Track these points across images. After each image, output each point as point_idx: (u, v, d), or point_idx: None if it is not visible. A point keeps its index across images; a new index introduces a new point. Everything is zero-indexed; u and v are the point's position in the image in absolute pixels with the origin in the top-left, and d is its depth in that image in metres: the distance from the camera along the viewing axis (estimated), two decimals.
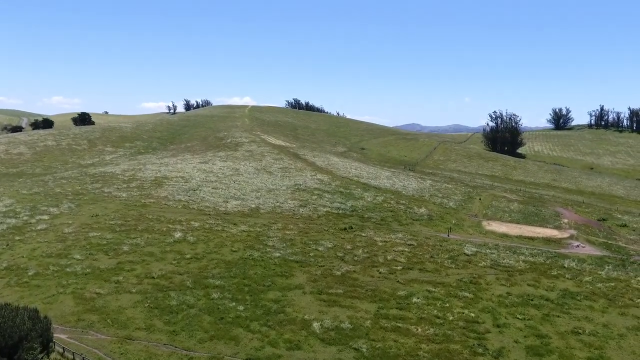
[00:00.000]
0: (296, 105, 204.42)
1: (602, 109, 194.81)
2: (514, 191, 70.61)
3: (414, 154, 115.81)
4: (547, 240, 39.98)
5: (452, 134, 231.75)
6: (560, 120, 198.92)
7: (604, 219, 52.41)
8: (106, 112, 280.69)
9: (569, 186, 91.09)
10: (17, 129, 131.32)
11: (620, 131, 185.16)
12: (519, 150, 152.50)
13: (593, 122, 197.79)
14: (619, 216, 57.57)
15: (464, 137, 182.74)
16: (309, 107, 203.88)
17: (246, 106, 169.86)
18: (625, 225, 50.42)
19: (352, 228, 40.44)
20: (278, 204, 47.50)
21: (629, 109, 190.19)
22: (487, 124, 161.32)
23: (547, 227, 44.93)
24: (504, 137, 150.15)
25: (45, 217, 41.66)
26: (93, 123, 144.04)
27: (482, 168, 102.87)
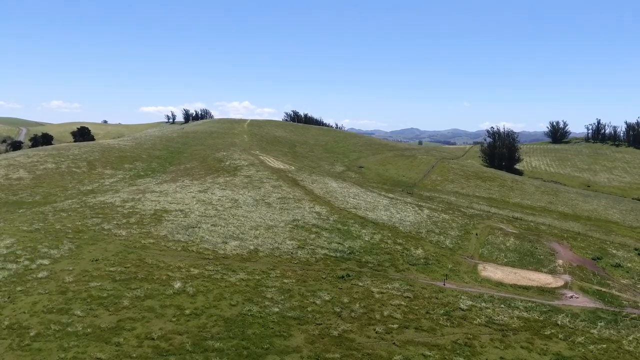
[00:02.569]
0: (295, 117, 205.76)
1: (599, 122, 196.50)
2: (511, 221, 71.23)
3: (412, 173, 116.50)
4: (542, 290, 40.53)
5: (450, 146, 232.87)
6: (557, 134, 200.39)
7: (598, 258, 53.02)
8: (105, 121, 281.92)
9: (565, 210, 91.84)
10: (17, 144, 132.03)
11: (617, 145, 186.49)
12: (517, 166, 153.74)
13: (590, 135, 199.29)
14: (614, 252, 58.22)
15: (462, 151, 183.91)
16: (307, 119, 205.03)
17: (245, 120, 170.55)
18: (619, 266, 51.05)
19: (349, 276, 40.93)
20: (277, 244, 47.99)
21: (626, 122, 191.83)
22: (485, 139, 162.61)
23: (541, 272, 45.53)
24: (501, 153, 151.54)
25: (46, 261, 42.06)
26: (93, 137, 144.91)
27: (480, 189, 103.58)
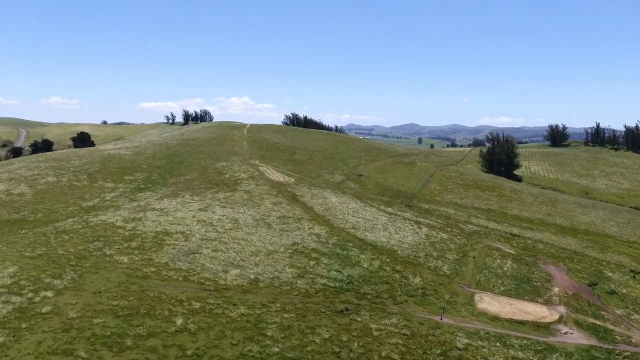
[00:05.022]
0: (294, 119, 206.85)
1: (598, 126, 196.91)
2: (508, 238, 71.90)
3: (411, 182, 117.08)
4: (537, 325, 41.25)
5: (449, 149, 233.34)
6: (556, 137, 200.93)
7: (594, 284, 53.74)
8: (104, 122, 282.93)
9: (563, 222, 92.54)
10: (17, 150, 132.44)
11: (616, 149, 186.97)
12: (516, 172, 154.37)
13: (589, 138, 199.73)
14: (610, 274, 58.93)
15: (461, 154, 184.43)
16: (307, 122, 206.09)
17: (244, 125, 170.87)
18: (613, 292, 51.78)
19: (348, 310, 41.60)
20: (277, 273, 48.64)
21: (625, 126, 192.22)
22: (485, 145, 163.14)
23: (537, 303, 46.25)
24: (500, 159, 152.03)
25: (50, 293, 42.68)
26: (93, 143, 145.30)
27: (478, 200, 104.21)
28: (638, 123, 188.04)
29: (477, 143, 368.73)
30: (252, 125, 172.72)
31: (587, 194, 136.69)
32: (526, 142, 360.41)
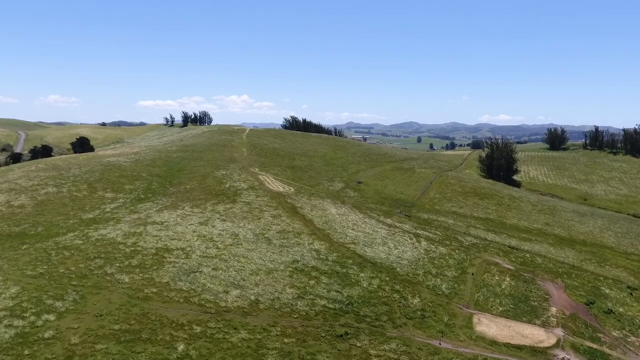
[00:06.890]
0: (294, 122, 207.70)
1: (596, 129, 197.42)
2: (507, 252, 72.34)
3: (410, 189, 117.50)
4: (534, 351, 41.72)
5: (448, 152, 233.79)
6: (555, 140, 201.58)
7: (591, 302, 54.21)
8: (103, 123, 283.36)
9: (561, 233, 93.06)
10: (17, 156, 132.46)
11: (615, 153, 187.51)
12: (515, 177, 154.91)
13: (588, 142, 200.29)
14: (607, 291, 59.43)
15: (460, 158, 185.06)
16: (306, 124, 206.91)
17: (244, 130, 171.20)
18: (610, 312, 52.26)
19: (347, 334, 42.03)
20: (277, 293, 49.03)
21: (623, 130, 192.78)
22: (483, 150, 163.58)
23: (535, 325, 46.70)
24: (499, 164, 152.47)
25: (52, 317, 43.01)
26: (92, 148, 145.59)
27: (477, 208, 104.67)
28: (636, 126, 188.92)
29: (476, 144, 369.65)
30: (251, 130, 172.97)
31: (585, 200, 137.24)
32: (525, 142, 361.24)
